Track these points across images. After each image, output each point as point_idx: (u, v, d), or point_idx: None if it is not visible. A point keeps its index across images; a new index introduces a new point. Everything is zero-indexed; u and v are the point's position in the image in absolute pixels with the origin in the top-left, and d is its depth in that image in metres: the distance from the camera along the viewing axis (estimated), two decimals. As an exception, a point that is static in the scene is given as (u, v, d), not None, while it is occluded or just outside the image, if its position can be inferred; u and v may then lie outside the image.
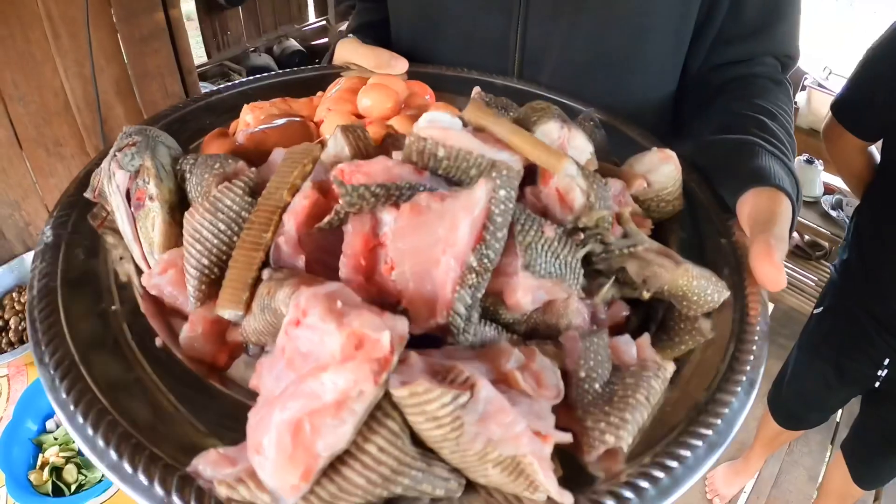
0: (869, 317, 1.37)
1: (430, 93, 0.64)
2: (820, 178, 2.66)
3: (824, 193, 2.67)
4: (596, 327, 0.43)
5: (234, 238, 0.44)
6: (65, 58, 1.38)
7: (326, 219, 0.43)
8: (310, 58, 3.77)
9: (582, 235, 0.44)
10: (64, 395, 0.37)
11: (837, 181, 2.62)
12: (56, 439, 1.00)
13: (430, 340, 0.40)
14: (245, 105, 0.58)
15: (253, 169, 0.46)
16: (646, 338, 0.43)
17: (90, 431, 0.36)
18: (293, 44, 3.80)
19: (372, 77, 0.62)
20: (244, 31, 3.56)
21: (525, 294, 0.40)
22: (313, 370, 0.33)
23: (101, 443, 0.36)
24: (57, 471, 0.95)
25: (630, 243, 0.44)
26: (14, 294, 1.20)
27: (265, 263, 0.43)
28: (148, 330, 0.42)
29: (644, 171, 0.54)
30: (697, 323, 0.46)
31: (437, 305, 0.39)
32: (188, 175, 0.48)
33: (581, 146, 0.50)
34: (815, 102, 2.54)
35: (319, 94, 0.63)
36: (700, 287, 0.45)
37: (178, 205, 0.48)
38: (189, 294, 0.43)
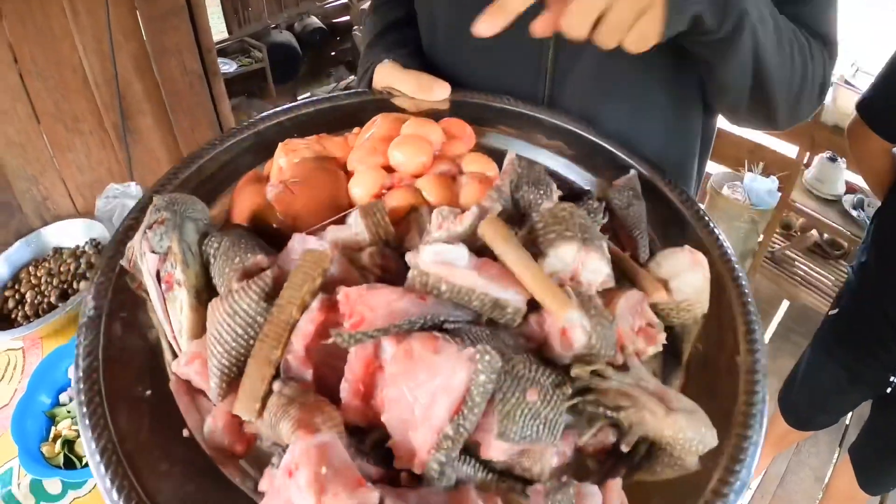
0: (884, 321, 1.34)
1: (468, 133, 0.62)
2: (842, 177, 2.53)
3: (846, 192, 2.54)
4: (565, 477, 0.46)
5: (251, 341, 0.49)
6: (83, 34, 1.37)
7: (331, 340, 0.47)
8: (331, 35, 3.69)
9: (569, 390, 0.46)
10: (108, 485, 0.47)
11: (860, 180, 2.45)
12: (69, 412, 1.01)
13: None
14: (280, 144, 0.59)
15: (268, 273, 0.49)
16: (616, 484, 0.47)
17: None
18: (315, 21, 3.71)
19: (406, 124, 0.59)
20: (265, 7, 3.52)
21: (499, 454, 0.45)
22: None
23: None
24: (69, 444, 0.96)
25: (616, 405, 0.46)
26: (31, 268, 1.22)
27: (276, 375, 0.48)
28: (177, 419, 0.50)
29: (670, 273, 0.53)
30: (682, 460, 0.49)
31: (415, 458, 0.44)
32: (212, 260, 0.52)
33: (596, 268, 0.49)
34: (841, 100, 2.36)
35: (356, 130, 0.62)
36: (686, 439, 0.47)
37: (206, 285, 0.52)
38: (211, 389, 0.49)
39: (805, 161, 2.55)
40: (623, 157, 0.64)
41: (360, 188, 0.57)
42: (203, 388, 0.51)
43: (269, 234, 0.56)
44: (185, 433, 0.50)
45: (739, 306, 0.56)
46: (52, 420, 1.00)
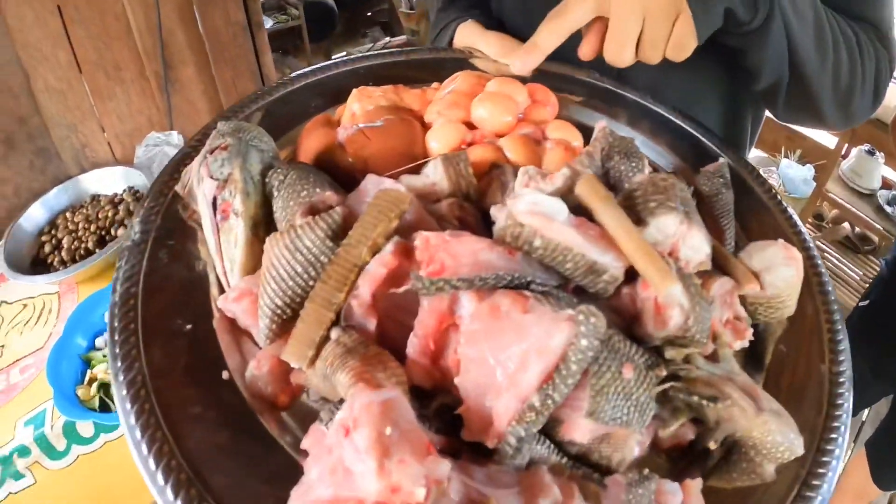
0: None
1: (552, 101, 0.54)
2: (879, 171, 2.37)
3: (882, 187, 2.37)
4: (647, 471, 0.37)
5: (311, 282, 0.40)
6: (128, -19, 1.27)
7: (403, 288, 0.38)
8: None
9: (664, 372, 0.37)
10: (133, 421, 0.37)
11: (897, 177, 2.34)
12: (105, 356, 0.92)
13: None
14: (354, 90, 0.51)
15: (337, 210, 0.41)
16: (696, 485, 0.38)
17: (152, 465, 0.36)
18: (352, -20, 3.48)
19: (491, 82, 0.52)
20: (303, -35, 3.23)
21: (583, 436, 0.36)
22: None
23: (160, 479, 0.36)
24: (105, 387, 0.89)
25: (711, 395, 0.38)
26: (68, 214, 1.14)
27: (336, 321, 0.39)
28: (217, 359, 0.41)
29: (762, 266, 0.45)
30: (761, 467, 0.41)
31: (490, 429, 0.35)
32: (275, 192, 0.43)
33: (697, 245, 0.41)
34: (884, 94, 2.24)
35: (435, 84, 0.54)
36: (773, 443, 0.39)
37: (264, 219, 0.44)
38: (260, 330, 0.41)
39: (843, 152, 2.38)
40: (709, 143, 0.56)
41: (439, 141, 0.49)
42: (250, 328, 0.42)
43: (336, 179, 0.48)
44: (225, 375, 0.41)
45: (825, 313, 0.48)
46: (87, 364, 0.91)
